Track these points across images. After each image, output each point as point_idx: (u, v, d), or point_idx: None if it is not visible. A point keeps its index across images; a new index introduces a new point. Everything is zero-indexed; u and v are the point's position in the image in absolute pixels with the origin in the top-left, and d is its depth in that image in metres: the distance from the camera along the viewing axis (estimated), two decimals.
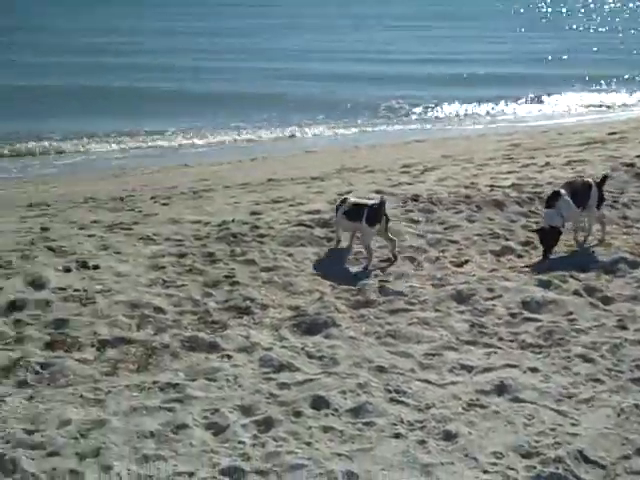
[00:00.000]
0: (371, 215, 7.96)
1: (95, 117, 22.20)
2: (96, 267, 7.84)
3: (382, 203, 8.04)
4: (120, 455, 4.62)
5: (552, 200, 8.22)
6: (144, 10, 64.93)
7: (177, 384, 5.51)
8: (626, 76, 31.30)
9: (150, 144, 20.41)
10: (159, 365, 5.85)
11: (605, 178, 8.73)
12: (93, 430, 4.88)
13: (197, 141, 20.86)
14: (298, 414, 5.13)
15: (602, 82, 29.79)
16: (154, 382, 5.54)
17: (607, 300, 7.08)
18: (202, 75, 30.99)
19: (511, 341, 6.29)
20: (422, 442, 4.80)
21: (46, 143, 19.74)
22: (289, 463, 4.57)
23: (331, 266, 8.05)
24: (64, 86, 26.54)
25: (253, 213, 9.92)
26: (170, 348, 6.11)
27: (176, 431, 4.91)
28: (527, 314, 6.79)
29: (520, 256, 8.30)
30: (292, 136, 21.91)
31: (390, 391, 5.45)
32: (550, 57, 39.33)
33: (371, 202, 8.21)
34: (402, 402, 5.31)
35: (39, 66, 31.66)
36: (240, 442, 4.79)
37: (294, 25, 55.08)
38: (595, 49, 42.92)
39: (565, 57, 39.46)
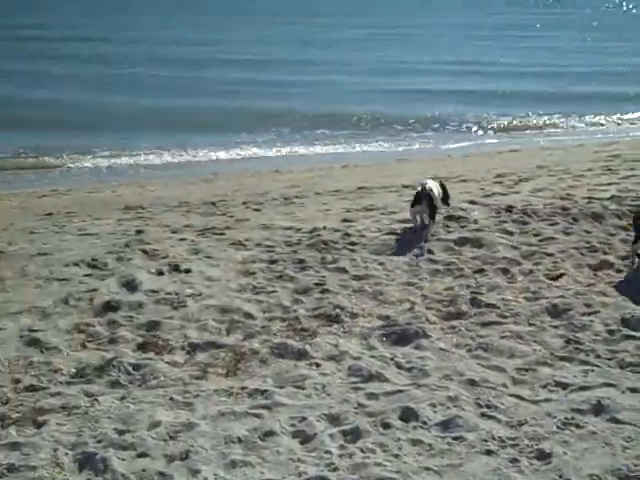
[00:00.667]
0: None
1: (190, 130, 22.53)
2: (188, 271, 7.96)
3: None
4: (208, 459, 4.64)
5: None
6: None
7: (265, 390, 5.51)
8: None
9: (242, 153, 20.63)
10: (247, 371, 5.88)
11: None
12: (182, 433, 4.92)
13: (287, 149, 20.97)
14: (386, 425, 5.05)
15: None
16: (242, 387, 5.56)
17: None
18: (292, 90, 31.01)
19: (609, 359, 6.04)
20: (514, 460, 4.65)
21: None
22: (376, 475, 4.50)
23: (422, 276, 7.94)
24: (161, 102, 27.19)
25: (344, 220, 9.90)
26: (259, 354, 6.13)
27: (263, 438, 4.90)
28: (627, 331, 6.50)
29: (619, 271, 7.98)
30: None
31: (481, 405, 5.32)
32: None
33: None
34: (493, 417, 5.16)
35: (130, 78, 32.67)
36: (327, 452, 4.75)
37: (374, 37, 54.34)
38: None
39: None
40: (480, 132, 23.55)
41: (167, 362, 5.96)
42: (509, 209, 10.14)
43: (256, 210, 11.25)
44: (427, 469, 4.57)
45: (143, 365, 5.87)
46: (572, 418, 5.14)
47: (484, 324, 6.71)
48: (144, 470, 4.51)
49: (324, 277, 7.81)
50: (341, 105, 26.50)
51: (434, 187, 9.36)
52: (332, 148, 21.33)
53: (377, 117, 24.70)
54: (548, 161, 14.96)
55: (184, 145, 20.66)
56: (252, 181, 15.46)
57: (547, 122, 24.91)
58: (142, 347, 6.20)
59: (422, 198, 9.11)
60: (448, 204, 9.85)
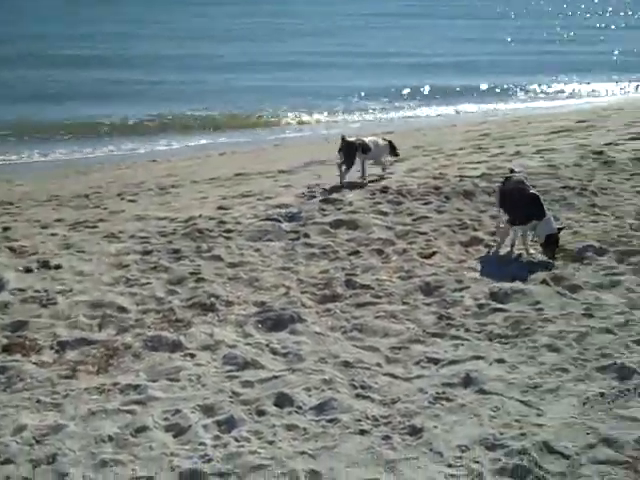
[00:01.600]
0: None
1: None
2: (58, 267, 7.72)
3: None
4: (76, 461, 4.51)
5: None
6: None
7: (138, 385, 5.40)
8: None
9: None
10: (120, 366, 5.74)
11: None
12: (49, 436, 4.76)
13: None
14: (261, 413, 5.04)
15: (568, 71, 29.57)
16: (114, 384, 5.43)
17: (574, 288, 7.00)
18: None
19: (478, 332, 6.22)
20: (387, 438, 4.72)
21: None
22: (251, 464, 4.47)
23: (298, 260, 7.95)
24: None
25: (220, 208, 9.84)
26: (132, 348, 6.01)
27: (135, 434, 4.80)
28: (495, 305, 6.71)
29: (488, 246, 8.22)
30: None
31: (356, 386, 5.37)
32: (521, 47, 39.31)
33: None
34: (368, 397, 5.23)
35: None
36: (201, 443, 4.69)
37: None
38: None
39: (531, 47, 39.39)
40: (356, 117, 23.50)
41: (34, 363, 5.75)
42: (384, 190, 10.30)
43: (131, 201, 11.03)
44: (302, 453, 4.58)
45: (8, 367, 5.64)
46: (443, 392, 5.26)
47: (359, 305, 6.78)
48: (8, 477, 4.34)
49: (199, 266, 7.72)
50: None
51: (367, 140, 11.24)
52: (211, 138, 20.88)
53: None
54: (422, 141, 15.25)
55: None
56: (128, 172, 15.11)
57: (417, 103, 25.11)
58: (7, 349, 5.96)
59: (341, 148, 10.90)
60: (397, 154, 11.84)
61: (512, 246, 8.01)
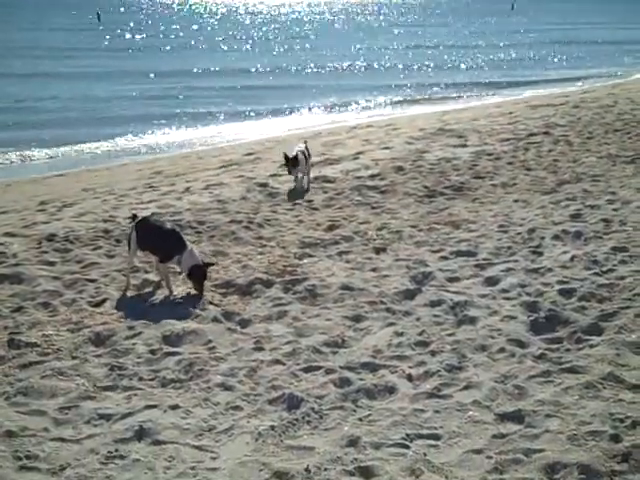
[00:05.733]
0: None
1: None
2: None
3: None
4: None
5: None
6: None
7: None
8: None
9: None
10: None
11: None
12: None
13: None
14: None
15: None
16: None
17: (245, 323, 7.18)
18: None
19: (152, 380, 6.11)
20: None
21: None
22: None
23: None
24: None
25: None
26: None
27: None
28: (168, 348, 6.66)
29: (160, 287, 8.18)
30: None
31: (20, 458, 5.01)
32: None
33: None
34: (34, 468, 4.91)
35: None
36: None
37: None
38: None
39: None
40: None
41: None
42: (51, 238, 9.85)
43: None
44: None
45: None
46: (116, 450, 5.09)
47: (24, 366, 6.36)
48: None
49: None
50: None
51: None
52: None
53: None
54: (94, 183, 14.84)
55: None
56: None
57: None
58: None
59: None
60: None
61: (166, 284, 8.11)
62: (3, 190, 15.22)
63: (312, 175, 13.11)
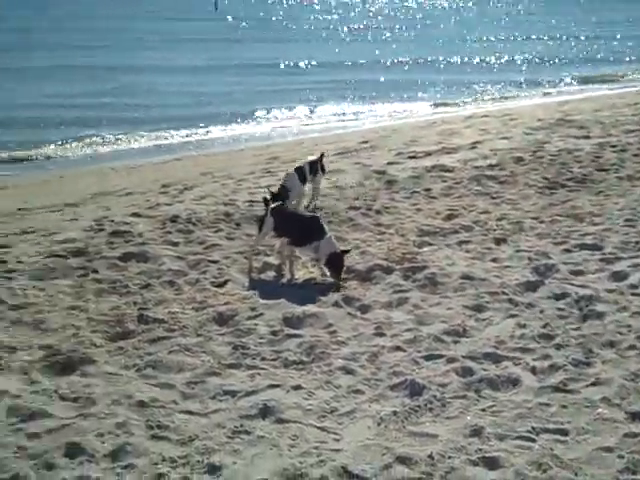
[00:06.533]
0: None
1: None
2: None
3: None
4: None
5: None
6: None
7: None
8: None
9: None
10: None
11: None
12: None
13: None
14: (50, 466, 4.73)
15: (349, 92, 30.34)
16: None
17: (365, 308, 7.21)
18: None
19: (274, 360, 6.22)
20: (185, 479, 4.59)
21: None
22: None
23: (87, 297, 7.62)
24: None
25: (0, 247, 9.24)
26: None
27: None
28: (289, 330, 6.75)
29: (280, 271, 8.30)
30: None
31: (152, 427, 5.18)
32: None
33: None
34: (165, 438, 5.06)
35: None
36: None
37: None
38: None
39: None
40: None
41: None
42: (174, 219, 10.14)
43: None
44: None
45: None
46: (241, 425, 5.20)
47: (152, 341, 6.58)
48: None
49: None
50: None
51: None
52: None
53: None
54: (211, 167, 15.19)
55: None
56: None
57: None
58: None
59: None
60: None
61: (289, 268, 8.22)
62: (128, 173, 15.80)
63: (429, 163, 13.03)
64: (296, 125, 23.05)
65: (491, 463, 4.72)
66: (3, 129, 21.24)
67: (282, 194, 9.76)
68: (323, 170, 10.88)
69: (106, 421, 5.25)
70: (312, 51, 41.43)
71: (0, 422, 5.28)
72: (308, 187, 10.70)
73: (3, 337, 6.63)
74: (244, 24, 59.97)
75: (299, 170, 10.43)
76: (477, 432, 5.04)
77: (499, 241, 9.02)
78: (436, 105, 26.22)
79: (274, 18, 66.50)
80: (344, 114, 25.05)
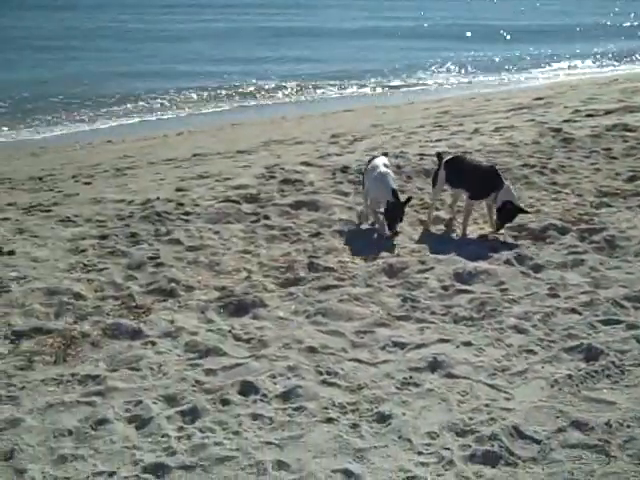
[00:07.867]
0: None
1: None
2: (11, 253, 7.48)
3: None
4: (35, 456, 4.36)
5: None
6: None
7: (97, 375, 5.24)
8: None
9: None
10: (78, 356, 5.56)
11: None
12: (6, 430, 4.58)
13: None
14: (226, 402, 4.92)
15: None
16: (72, 374, 5.26)
17: (538, 268, 6.98)
18: None
19: (444, 315, 6.15)
20: (354, 426, 4.63)
21: None
22: (216, 455, 4.35)
23: (258, 242, 7.81)
24: None
25: (178, 190, 9.62)
26: (90, 337, 5.83)
27: (96, 427, 4.65)
28: (459, 286, 6.65)
29: (450, 225, 8.17)
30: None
31: (321, 373, 5.27)
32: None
33: None
34: (334, 384, 5.13)
35: None
36: (164, 435, 4.56)
37: None
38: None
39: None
40: (316, 93, 23.12)
41: None
42: (344, 170, 10.18)
43: (86, 184, 10.75)
44: (268, 443, 4.47)
45: None
46: (410, 377, 5.19)
47: (322, 289, 6.66)
48: None
49: (158, 250, 7.54)
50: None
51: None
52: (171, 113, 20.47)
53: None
54: (382, 120, 15.14)
55: None
56: (82, 153, 14.77)
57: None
58: None
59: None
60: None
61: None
62: (297, 122, 16.01)
63: (609, 122, 12.36)
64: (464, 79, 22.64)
65: None
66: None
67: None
68: None
69: (278, 363, 5.38)
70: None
71: (179, 357, 5.53)
72: None
73: (182, 276, 6.92)
74: None
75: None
76: None
77: None
78: (618, 61, 24.89)
79: None
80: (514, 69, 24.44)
